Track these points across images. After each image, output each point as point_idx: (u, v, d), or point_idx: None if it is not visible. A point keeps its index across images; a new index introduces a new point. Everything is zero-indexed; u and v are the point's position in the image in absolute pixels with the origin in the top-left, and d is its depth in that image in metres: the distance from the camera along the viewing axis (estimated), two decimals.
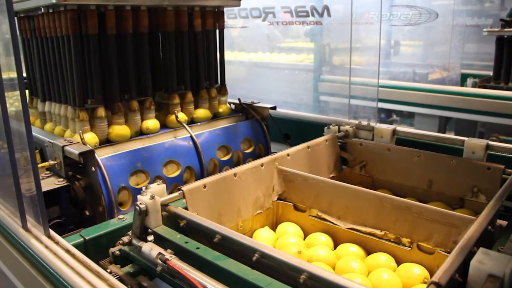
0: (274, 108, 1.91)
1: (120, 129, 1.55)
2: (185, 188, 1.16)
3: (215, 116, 1.89)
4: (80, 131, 1.44)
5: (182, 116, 1.73)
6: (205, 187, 1.20)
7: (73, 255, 0.97)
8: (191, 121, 1.80)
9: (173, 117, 1.70)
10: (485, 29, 3.39)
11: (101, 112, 1.52)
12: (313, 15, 3.71)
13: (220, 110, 1.91)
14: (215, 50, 1.89)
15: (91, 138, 1.47)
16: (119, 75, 1.56)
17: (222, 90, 1.94)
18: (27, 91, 1.75)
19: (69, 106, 1.54)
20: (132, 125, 1.59)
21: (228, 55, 1.91)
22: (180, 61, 1.75)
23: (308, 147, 1.57)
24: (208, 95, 1.86)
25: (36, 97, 1.78)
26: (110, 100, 1.55)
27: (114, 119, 1.55)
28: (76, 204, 1.36)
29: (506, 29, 3.27)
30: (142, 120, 1.63)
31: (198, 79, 1.83)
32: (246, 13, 4.16)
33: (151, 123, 1.64)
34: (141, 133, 1.64)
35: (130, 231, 1.06)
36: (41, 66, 1.67)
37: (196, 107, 1.83)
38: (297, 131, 2.10)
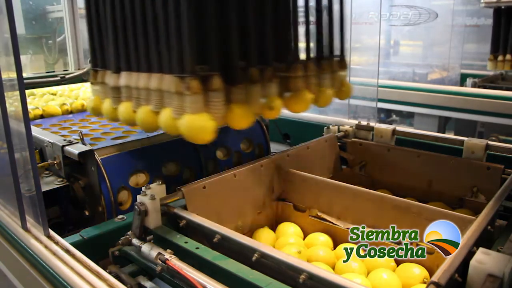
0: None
1: (242, 111, 1.09)
2: (184, 188, 1.16)
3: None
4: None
5: (308, 96, 1.31)
6: (204, 187, 1.20)
7: (72, 255, 0.97)
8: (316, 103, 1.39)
9: (303, 95, 1.28)
10: (482, 0, 3.36)
11: (217, 82, 1.05)
12: (312, 15, 3.70)
13: (344, 89, 1.49)
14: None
15: (207, 119, 1.05)
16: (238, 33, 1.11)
17: (342, 63, 1.50)
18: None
19: (168, 75, 1.08)
20: (253, 104, 1.12)
21: None
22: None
23: (308, 147, 1.57)
24: (330, 68, 1.43)
25: (103, 68, 1.33)
26: (226, 67, 1.10)
27: (234, 93, 1.10)
28: (76, 204, 1.36)
29: (503, 0, 3.26)
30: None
31: (318, 47, 1.42)
32: None
33: (275, 102, 1.16)
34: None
35: (130, 231, 1.06)
36: (115, 24, 1.21)
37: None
38: (296, 131, 2.10)
